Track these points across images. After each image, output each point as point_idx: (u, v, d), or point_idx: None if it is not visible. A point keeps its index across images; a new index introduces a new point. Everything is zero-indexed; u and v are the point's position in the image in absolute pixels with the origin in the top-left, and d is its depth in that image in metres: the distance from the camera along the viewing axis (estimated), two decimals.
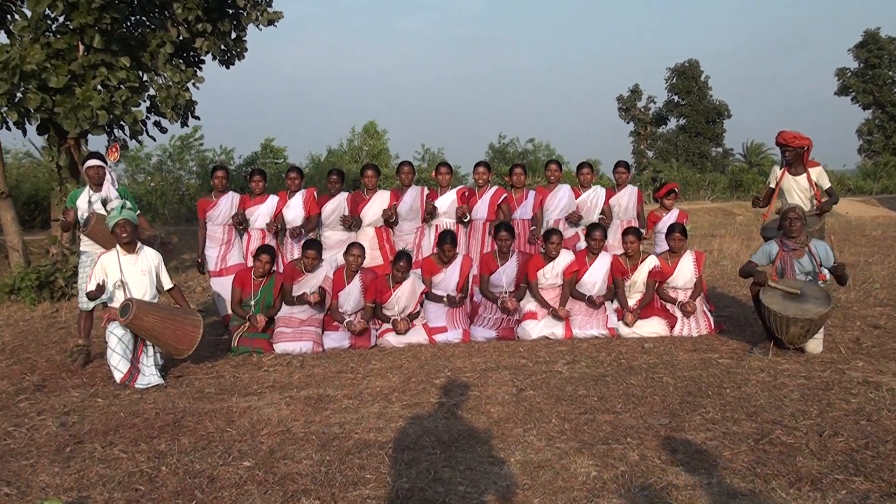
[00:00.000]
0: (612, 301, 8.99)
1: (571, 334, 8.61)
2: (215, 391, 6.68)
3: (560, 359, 7.53)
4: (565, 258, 8.97)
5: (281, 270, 9.07)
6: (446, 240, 8.87)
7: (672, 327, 8.64)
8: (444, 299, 8.88)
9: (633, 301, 8.91)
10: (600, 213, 9.76)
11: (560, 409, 5.75)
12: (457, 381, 6.69)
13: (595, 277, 8.95)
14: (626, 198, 9.87)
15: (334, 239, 9.48)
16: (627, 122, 51.24)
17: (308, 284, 8.74)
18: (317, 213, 9.55)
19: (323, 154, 35.33)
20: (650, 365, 7.14)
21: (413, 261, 9.08)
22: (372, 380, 6.90)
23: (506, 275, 9.04)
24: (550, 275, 8.94)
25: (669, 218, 9.56)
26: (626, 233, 8.97)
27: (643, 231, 9.49)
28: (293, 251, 9.49)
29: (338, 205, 9.53)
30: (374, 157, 33.69)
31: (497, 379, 6.75)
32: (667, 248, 9.06)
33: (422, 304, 8.92)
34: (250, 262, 9.21)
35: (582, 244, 9.45)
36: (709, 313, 8.84)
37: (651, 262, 8.89)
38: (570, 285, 8.95)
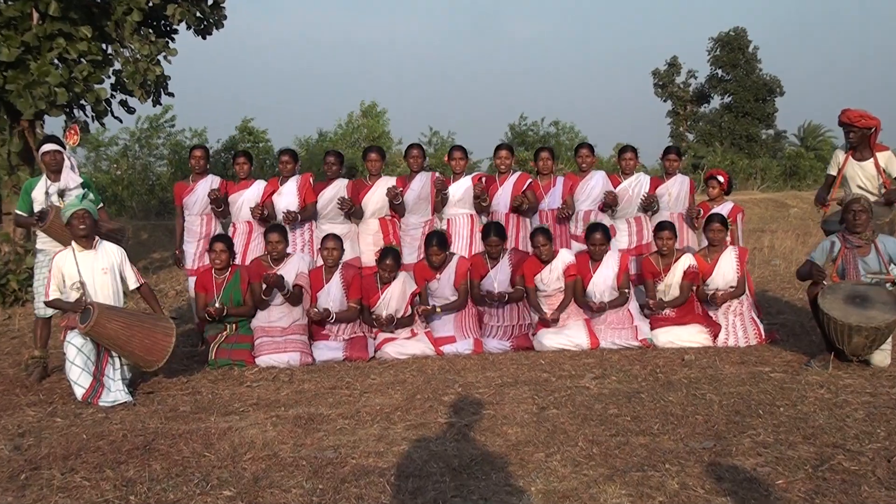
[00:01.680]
0: (634, 308, 8.99)
1: (598, 343, 8.63)
2: (191, 410, 6.69)
3: (587, 372, 7.54)
4: (563, 259, 8.96)
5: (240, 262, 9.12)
6: (432, 242, 8.88)
7: (716, 336, 8.63)
8: (434, 310, 8.86)
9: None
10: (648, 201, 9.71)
11: (588, 431, 5.74)
12: (468, 399, 6.70)
13: (601, 286, 8.92)
14: (677, 187, 9.85)
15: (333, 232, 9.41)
16: (664, 101, 51.15)
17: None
18: (313, 202, 9.49)
19: (313, 137, 35.32)
20: (691, 380, 7.14)
21: (419, 258, 9.13)
22: (371, 397, 6.91)
23: (497, 279, 9.05)
24: (549, 279, 8.93)
25: (722, 210, 9.53)
26: (659, 228, 8.97)
27: (700, 210, 9.57)
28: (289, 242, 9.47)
29: (336, 192, 9.45)
30: (373, 142, 33.64)
31: (515, 396, 6.75)
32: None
33: (412, 307, 8.92)
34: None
35: (622, 241, 9.46)
36: (758, 320, 8.83)
37: (686, 261, 8.87)
38: (572, 290, 8.94)
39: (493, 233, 8.95)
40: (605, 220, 9.58)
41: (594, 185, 9.69)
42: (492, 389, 6.99)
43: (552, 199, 9.63)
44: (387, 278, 8.72)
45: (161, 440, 5.83)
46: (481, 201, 9.49)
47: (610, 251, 8.99)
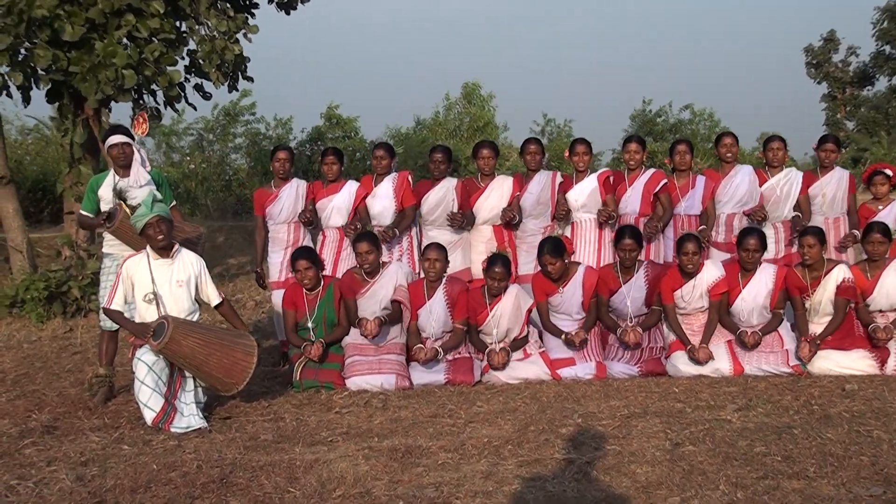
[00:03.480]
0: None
1: (742, 369, 8.49)
2: (273, 438, 6.77)
3: (729, 403, 7.45)
4: (711, 273, 8.74)
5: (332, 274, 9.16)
6: (543, 250, 8.71)
7: (883, 363, 8.43)
8: (563, 338, 8.74)
9: (819, 328, 8.66)
10: (794, 207, 9.48)
11: (730, 472, 5.67)
12: (590, 432, 6.67)
13: (750, 304, 8.70)
14: (834, 185, 9.57)
15: (440, 241, 9.26)
16: (818, 82, 50.30)
17: (376, 297, 8.71)
18: (413, 206, 9.50)
19: (408, 126, 35.41)
20: (854, 413, 7.00)
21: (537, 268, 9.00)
22: (477, 427, 6.92)
23: (630, 296, 8.90)
24: (691, 297, 8.76)
25: (889, 212, 9.30)
26: (803, 233, 8.69)
27: (856, 233, 9.23)
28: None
29: (444, 195, 9.45)
30: (477, 132, 33.53)
31: (644, 429, 6.71)
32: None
33: (529, 325, 8.87)
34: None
35: (769, 245, 9.25)
36: None
37: (839, 273, 8.57)
38: (717, 310, 8.75)
39: (628, 235, 8.75)
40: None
41: (739, 182, 9.51)
42: (617, 421, 6.94)
43: (691, 203, 9.49)
44: (496, 289, 8.63)
45: (240, 472, 5.91)
46: (608, 220, 9.36)
47: (764, 264, 8.76)
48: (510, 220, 9.31)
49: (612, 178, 9.58)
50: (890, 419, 6.77)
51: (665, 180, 9.51)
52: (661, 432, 6.59)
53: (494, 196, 9.45)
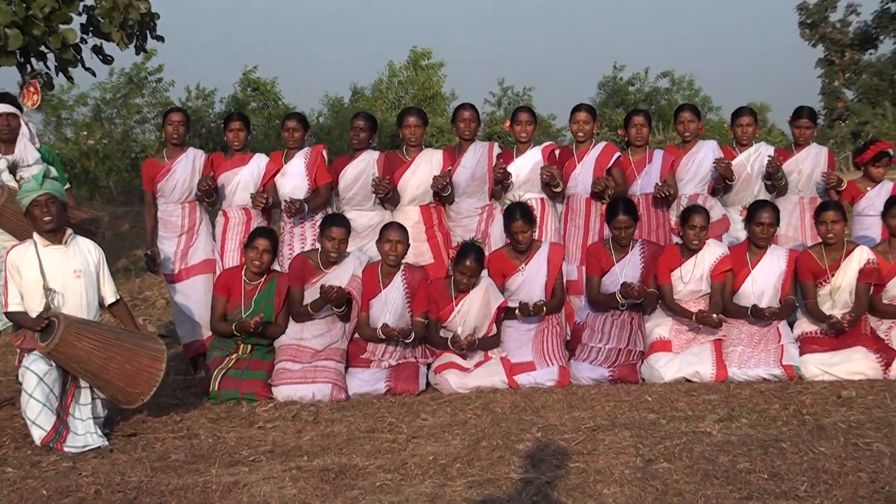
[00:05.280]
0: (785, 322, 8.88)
1: (726, 375, 8.52)
2: (186, 458, 6.72)
3: (709, 413, 7.49)
4: (713, 251, 8.81)
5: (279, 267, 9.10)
6: (515, 216, 8.73)
7: (888, 365, 8.45)
8: (542, 310, 8.71)
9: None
10: (765, 181, 9.52)
11: (710, 492, 5.71)
12: (550, 447, 6.69)
13: (762, 286, 8.77)
14: (811, 162, 9.67)
15: (361, 223, 9.32)
16: (813, 45, 50.69)
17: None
18: (328, 184, 9.45)
19: (346, 97, 35.25)
20: (851, 424, 7.04)
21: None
22: (421, 443, 6.92)
23: (624, 275, 8.92)
24: (691, 277, 8.82)
25: (878, 193, 9.37)
26: (822, 209, 8.68)
27: (840, 176, 9.30)
28: (293, 239, 9.44)
29: (364, 168, 9.41)
30: (423, 102, 33.39)
31: (612, 443, 6.73)
32: (871, 237, 8.88)
33: (497, 326, 8.87)
34: (229, 259, 9.22)
35: (739, 235, 9.27)
36: None
37: (862, 255, 8.58)
38: (722, 293, 8.79)
39: (622, 210, 8.77)
40: (717, 206, 9.53)
41: (702, 158, 9.57)
42: (581, 435, 6.97)
43: (647, 180, 9.52)
44: (465, 286, 8.65)
45: (146, 498, 5.88)
46: (552, 187, 9.39)
47: (773, 245, 8.81)
48: (441, 189, 9.26)
49: (557, 153, 9.65)
50: (892, 430, 6.83)
51: (619, 154, 9.59)
52: (631, 447, 6.61)
53: (422, 171, 9.40)
